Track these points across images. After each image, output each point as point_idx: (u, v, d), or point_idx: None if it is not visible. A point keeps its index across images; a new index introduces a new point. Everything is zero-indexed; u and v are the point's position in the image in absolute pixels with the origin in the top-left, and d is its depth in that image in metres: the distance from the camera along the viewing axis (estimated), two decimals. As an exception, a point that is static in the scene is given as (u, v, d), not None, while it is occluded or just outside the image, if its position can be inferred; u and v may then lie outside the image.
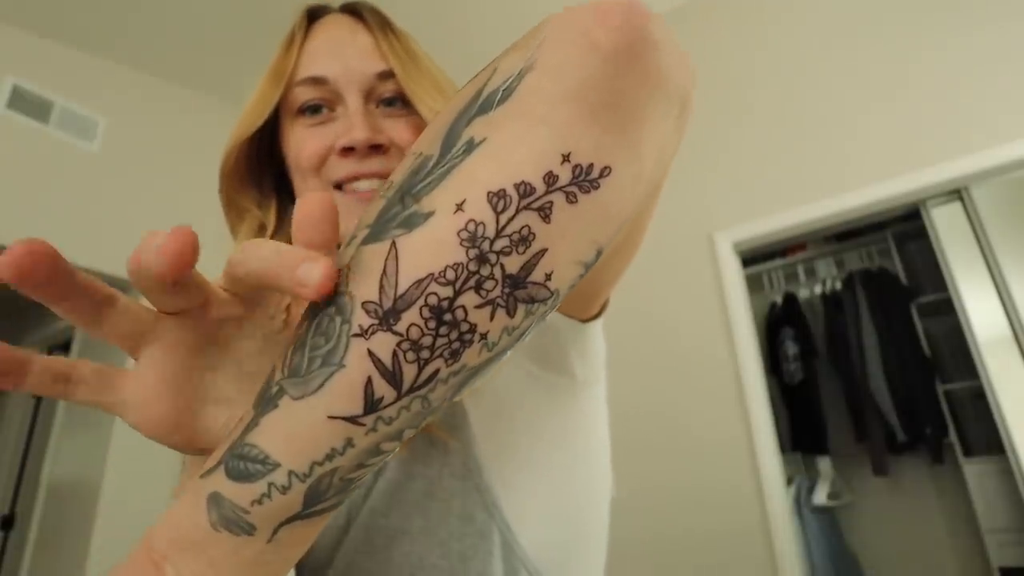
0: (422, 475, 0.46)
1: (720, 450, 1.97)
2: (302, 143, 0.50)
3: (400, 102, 0.51)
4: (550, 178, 0.21)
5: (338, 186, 0.49)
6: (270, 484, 0.21)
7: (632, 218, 0.25)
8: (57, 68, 2.46)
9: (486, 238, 0.20)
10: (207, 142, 0.56)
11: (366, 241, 0.21)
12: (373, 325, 0.20)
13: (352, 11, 0.54)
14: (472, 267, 0.20)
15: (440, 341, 0.20)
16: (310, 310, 0.22)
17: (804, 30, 2.23)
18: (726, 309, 2.08)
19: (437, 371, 0.20)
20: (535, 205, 0.20)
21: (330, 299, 0.21)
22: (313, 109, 0.51)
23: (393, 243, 0.20)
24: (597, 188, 0.21)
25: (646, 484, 2.07)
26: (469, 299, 0.20)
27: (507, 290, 0.20)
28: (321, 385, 0.20)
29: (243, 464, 0.22)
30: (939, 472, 2.48)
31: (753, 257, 2.66)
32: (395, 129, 0.50)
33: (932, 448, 2.32)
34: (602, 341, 0.51)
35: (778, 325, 2.73)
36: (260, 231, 0.53)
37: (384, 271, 0.20)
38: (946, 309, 2.12)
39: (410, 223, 0.21)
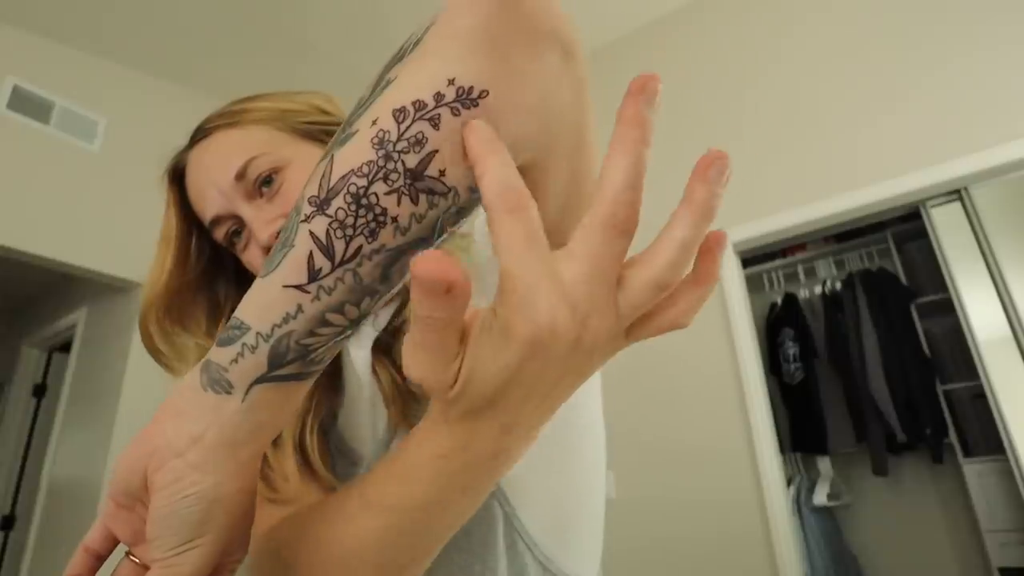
0: None
1: (720, 450, 1.97)
2: (251, 265, 0.54)
3: (273, 173, 0.53)
4: (438, 96, 0.26)
5: None
6: (243, 344, 0.28)
7: (522, 140, 0.30)
8: (57, 68, 2.46)
9: (391, 141, 0.26)
10: (208, 142, 0.56)
11: (319, 163, 0.28)
12: (313, 211, 0.26)
13: (202, 135, 0.57)
14: (381, 162, 0.26)
15: (360, 220, 0.26)
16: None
17: (804, 31, 2.23)
18: (726, 309, 2.08)
19: (360, 247, 0.26)
20: (427, 116, 0.26)
21: (295, 204, 0.28)
22: (235, 235, 0.55)
23: (331, 156, 0.27)
24: (477, 106, 0.27)
25: (646, 483, 2.08)
26: (379, 187, 0.26)
27: (408, 181, 0.26)
28: (279, 263, 0.27)
29: (228, 332, 0.28)
30: (939, 472, 2.48)
31: (753, 257, 2.66)
32: (285, 203, 0.52)
33: (932, 448, 2.32)
34: None
35: (778, 325, 2.73)
36: (204, 353, 0.56)
37: (323, 174, 0.27)
38: (946, 309, 2.12)
39: (344, 141, 0.27)
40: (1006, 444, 1.74)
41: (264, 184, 0.52)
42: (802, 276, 2.86)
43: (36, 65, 2.41)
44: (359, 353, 0.54)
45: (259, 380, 0.28)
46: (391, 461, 0.33)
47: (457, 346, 0.25)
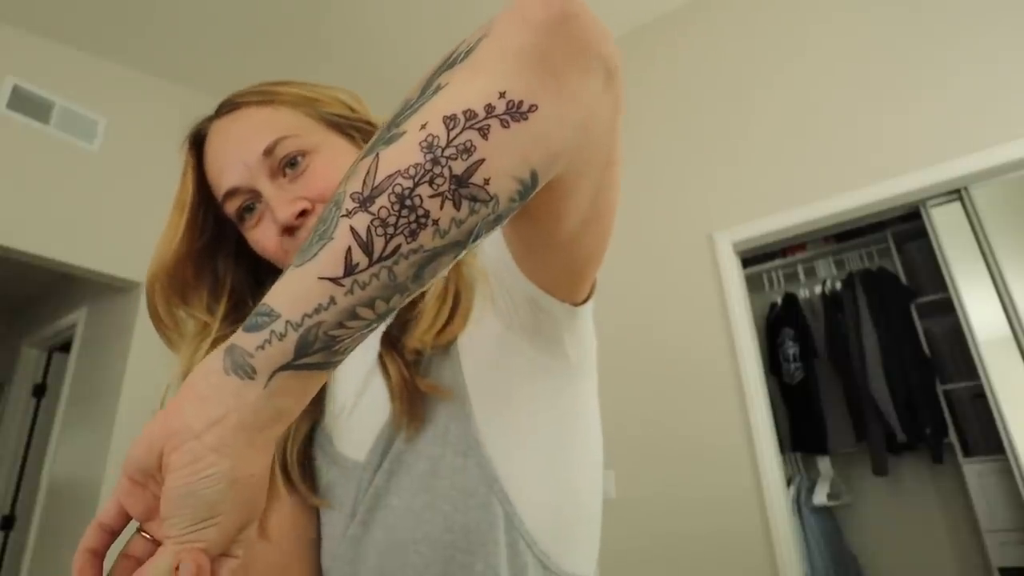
0: (426, 456, 0.49)
1: (720, 450, 1.97)
2: (259, 244, 0.54)
3: (300, 156, 0.53)
4: (489, 108, 0.28)
5: None
6: (271, 331, 0.28)
7: (564, 155, 0.31)
8: (57, 68, 2.46)
9: (439, 146, 0.27)
10: (207, 142, 0.56)
11: (360, 159, 0.29)
12: (355, 207, 0.27)
13: (230, 107, 0.57)
14: (428, 166, 0.27)
15: (402, 220, 0.27)
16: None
17: (805, 32, 2.23)
18: (726, 309, 2.08)
19: (399, 246, 0.27)
20: (477, 126, 0.27)
21: (333, 197, 0.29)
22: (247, 211, 0.54)
23: (377, 154, 0.28)
24: (526, 119, 0.28)
25: (646, 483, 2.07)
26: (424, 190, 0.27)
27: (453, 186, 0.27)
28: (315, 254, 0.28)
29: (255, 318, 0.29)
30: (939, 472, 2.48)
31: (753, 257, 2.66)
32: (307, 187, 0.52)
33: (932, 448, 2.32)
34: (593, 333, 0.54)
35: (778, 325, 2.73)
36: (204, 328, 0.57)
37: (367, 171, 0.28)
38: (946, 309, 2.12)
39: (390, 141, 0.28)
40: (1006, 444, 1.74)
41: (289, 165, 0.53)
42: (802, 276, 2.86)
43: (36, 65, 2.41)
44: (363, 351, 0.54)
45: (283, 367, 0.28)
46: None
47: None
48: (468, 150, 0.27)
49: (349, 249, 0.27)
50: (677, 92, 2.44)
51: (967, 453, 2.26)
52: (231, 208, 0.54)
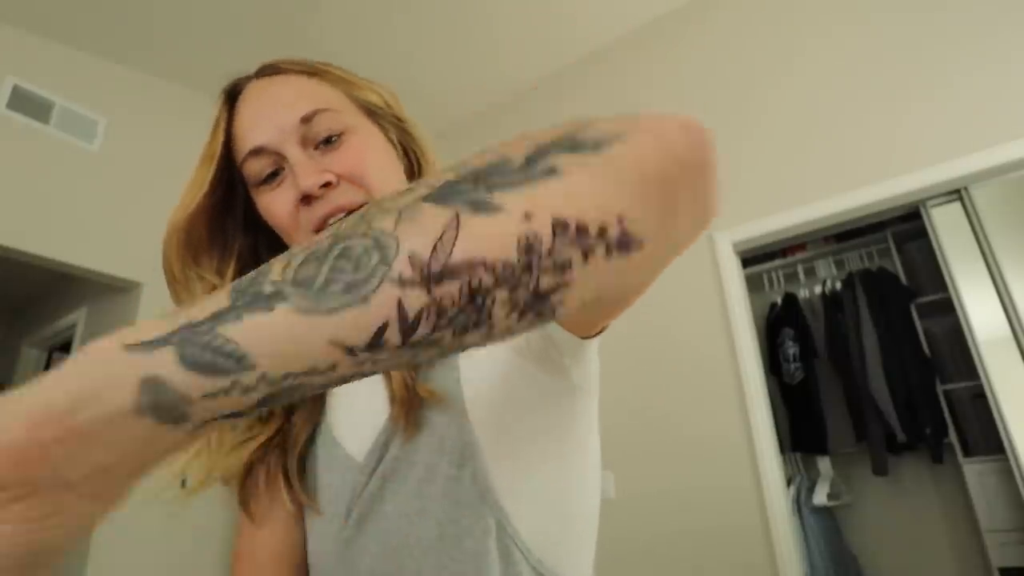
0: (421, 463, 0.49)
1: (720, 450, 1.97)
2: (271, 209, 0.53)
3: (336, 136, 0.53)
4: (603, 230, 0.24)
5: (317, 230, 0.52)
6: (235, 382, 0.21)
7: (637, 291, 0.32)
8: (57, 68, 2.46)
9: (539, 253, 0.22)
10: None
11: (427, 199, 0.23)
12: (414, 280, 0.21)
13: (272, 71, 0.57)
14: (518, 271, 0.22)
15: (461, 317, 0.22)
16: (338, 224, 0.24)
17: (804, 31, 2.23)
18: (726, 309, 2.08)
19: (441, 339, 0.23)
20: (584, 245, 0.23)
21: (366, 228, 0.22)
22: (270, 175, 0.53)
23: (457, 215, 0.22)
24: (628, 255, 0.25)
25: (646, 483, 2.08)
26: (502, 294, 0.22)
27: (530, 300, 0.23)
28: (336, 310, 0.21)
29: (211, 356, 0.21)
30: (939, 472, 2.48)
31: (753, 257, 2.66)
32: (337, 163, 0.52)
33: (932, 448, 2.32)
34: (597, 359, 0.54)
35: (778, 325, 2.73)
36: (212, 291, 0.55)
37: (441, 237, 0.22)
38: (946, 309, 2.12)
39: (477, 206, 0.23)
40: (1006, 444, 1.74)
41: (324, 141, 0.53)
42: (802, 276, 2.86)
43: (36, 65, 2.41)
44: None
45: (227, 416, 0.22)
46: None
47: None
48: (564, 268, 0.23)
49: (385, 325, 0.21)
50: (677, 92, 2.44)
51: (967, 453, 2.26)
52: (251, 168, 0.53)
